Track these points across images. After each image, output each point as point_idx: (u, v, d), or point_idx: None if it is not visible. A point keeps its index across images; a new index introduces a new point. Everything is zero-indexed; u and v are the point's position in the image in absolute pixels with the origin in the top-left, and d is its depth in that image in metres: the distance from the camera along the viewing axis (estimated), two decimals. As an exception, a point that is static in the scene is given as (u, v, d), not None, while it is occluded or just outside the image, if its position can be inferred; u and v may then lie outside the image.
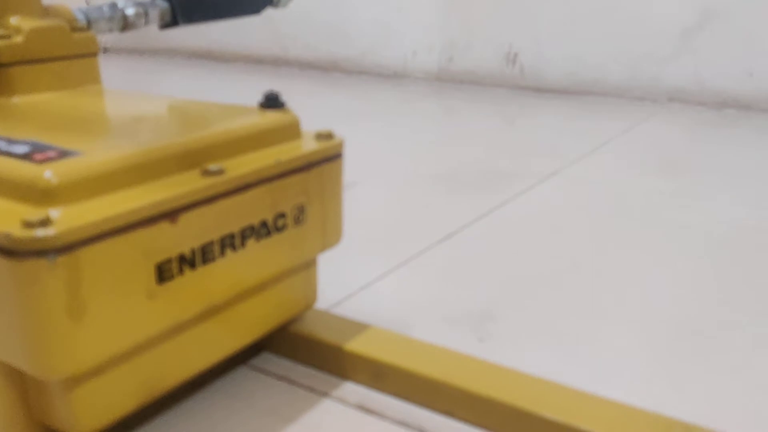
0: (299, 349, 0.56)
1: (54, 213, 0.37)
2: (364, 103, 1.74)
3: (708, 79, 1.56)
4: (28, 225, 0.35)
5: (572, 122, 1.48)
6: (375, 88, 1.89)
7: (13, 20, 0.58)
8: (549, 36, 1.74)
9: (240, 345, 0.51)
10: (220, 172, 0.44)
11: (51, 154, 0.41)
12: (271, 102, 0.52)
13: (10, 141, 0.44)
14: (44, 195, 0.38)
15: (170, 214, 0.41)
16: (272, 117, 0.51)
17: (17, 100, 0.57)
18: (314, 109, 1.47)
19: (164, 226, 0.41)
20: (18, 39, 0.57)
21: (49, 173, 0.38)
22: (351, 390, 0.54)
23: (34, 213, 0.37)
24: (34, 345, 0.37)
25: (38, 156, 0.40)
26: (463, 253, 0.80)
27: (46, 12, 0.60)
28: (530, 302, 0.68)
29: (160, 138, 0.45)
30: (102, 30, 0.66)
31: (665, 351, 0.60)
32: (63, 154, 0.41)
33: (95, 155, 0.41)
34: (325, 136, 0.53)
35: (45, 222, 0.36)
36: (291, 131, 0.52)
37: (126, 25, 0.69)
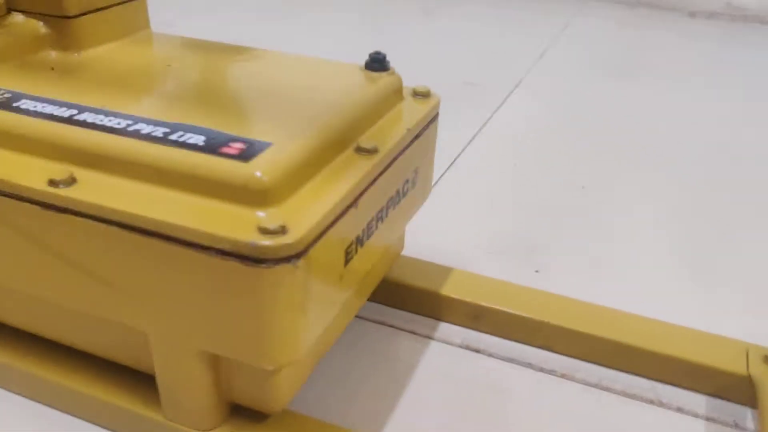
0: (395, 295, 0.60)
1: (274, 215, 0.37)
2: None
3: (624, -21, 1.64)
4: (267, 232, 0.36)
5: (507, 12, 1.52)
6: None
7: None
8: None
9: (365, 301, 0.54)
10: (375, 150, 0.45)
11: (239, 146, 0.40)
12: (378, 64, 0.52)
13: (166, 125, 0.42)
14: (257, 195, 0.38)
15: (355, 201, 0.42)
16: (387, 81, 0.51)
17: (88, 54, 0.53)
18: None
19: (352, 213, 0.42)
20: (77, -16, 0.52)
21: (259, 173, 0.38)
22: (451, 331, 0.59)
23: (252, 215, 0.37)
24: (266, 340, 0.38)
25: (227, 149, 0.39)
26: (474, 181, 0.84)
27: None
28: (559, 229, 0.75)
29: (318, 116, 0.44)
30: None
31: (690, 264, 0.69)
32: (252, 145, 0.40)
33: (286, 147, 0.40)
34: (423, 94, 0.54)
35: (283, 229, 0.36)
36: (399, 94, 0.53)
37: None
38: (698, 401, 0.53)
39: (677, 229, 0.76)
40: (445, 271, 0.61)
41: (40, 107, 0.44)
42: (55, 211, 0.40)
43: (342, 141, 0.44)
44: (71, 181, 0.40)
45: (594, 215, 0.78)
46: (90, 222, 0.39)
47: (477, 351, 0.57)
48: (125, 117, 0.43)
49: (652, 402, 0.53)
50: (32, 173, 0.40)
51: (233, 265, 0.36)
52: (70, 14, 0.52)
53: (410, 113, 0.51)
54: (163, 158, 0.39)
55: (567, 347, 0.56)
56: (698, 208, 0.80)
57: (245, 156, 0.39)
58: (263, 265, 0.36)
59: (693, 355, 0.53)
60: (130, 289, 0.40)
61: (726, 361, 0.53)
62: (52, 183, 0.39)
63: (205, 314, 0.39)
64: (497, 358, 0.56)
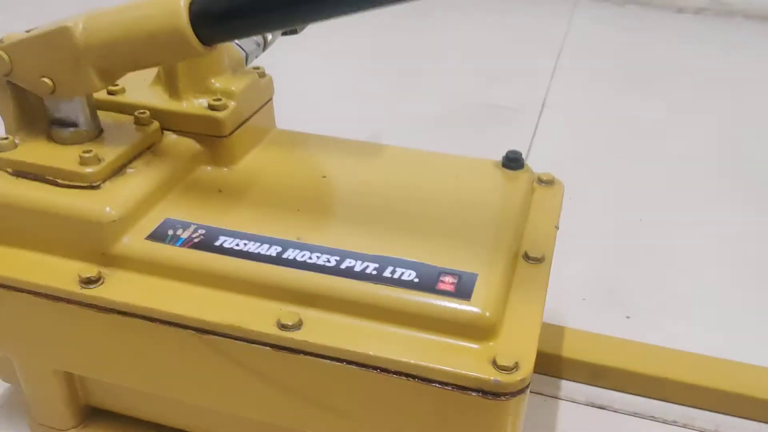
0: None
1: (503, 349, 0.42)
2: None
3: (613, -22, 1.69)
4: (504, 369, 0.40)
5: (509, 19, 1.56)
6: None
7: (216, 83, 0.55)
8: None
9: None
10: (543, 259, 0.50)
11: (450, 280, 0.44)
12: (516, 162, 0.56)
13: (373, 260, 0.45)
14: (482, 331, 0.42)
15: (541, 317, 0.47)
16: (526, 179, 0.56)
17: (239, 167, 0.55)
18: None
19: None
20: (233, 104, 0.54)
21: (484, 311, 0.42)
22: (573, 389, 0.64)
23: (482, 350, 0.41)
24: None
25: (442, 285, 0.43)
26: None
27: (227, 62, 0.57)
28: (634, 267, 0.80)
29: (494, 232, 0.49)
30: (250, 61, 0.63)
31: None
32: (461, 279, 0.44)
33: (492, 278, 0.44)
34: (548, 181, 0.59)
35: (517, 365, 0.40)
36: (532, 188, 0.57)
37: (265, 47, 0.66)
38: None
39: (742, 256, 0.83)
40: (558, 331, 0.66)
41: (242, 245, 0.47)
42: (286, 352, 0.43)
43: (517, 254, 0.49)
44: (300, 323, 0.43)
45: (662, 250, 0.84)
46: (321, 361, 0.43)
47: (602, 407, 0.63)
48: (329, 252, 0.46)
49: (766, 445, 0.60)
50: (259, 317, 0.44)
51: (473, 398, 0.41)
52: (226, 134, 0.54)
53: (548, 207, 0.55)
54: (385, 297, 0.43)
55: (685, 398, 0.62)
56: (759, 230, 0.87)
57: (462, 293, 0.43)
58: (502, 398, 0.40)
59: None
60: (359, 418, 0.44)
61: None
62: (283, 327, 0.43)
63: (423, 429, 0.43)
64: (622, 413, 0.62)
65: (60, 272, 0.47)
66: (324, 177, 0.55)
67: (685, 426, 0.61)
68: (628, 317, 0.73)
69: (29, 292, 0.47)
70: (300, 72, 1.28)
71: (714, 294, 0.76)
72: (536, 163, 0.95)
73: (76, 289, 0.46)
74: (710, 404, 0.62)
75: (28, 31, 0.49)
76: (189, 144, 0.54)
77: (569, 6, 1.67)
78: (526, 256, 0.49)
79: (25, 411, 0.57)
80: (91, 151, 0.48)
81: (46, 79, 0.47)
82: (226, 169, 0.55)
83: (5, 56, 0.47)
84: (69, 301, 0.46)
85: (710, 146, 1.07)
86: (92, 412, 0.57)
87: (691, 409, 0.63)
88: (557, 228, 0.53)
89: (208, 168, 0.55)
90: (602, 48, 1.45)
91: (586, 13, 1.65)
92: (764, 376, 0.63)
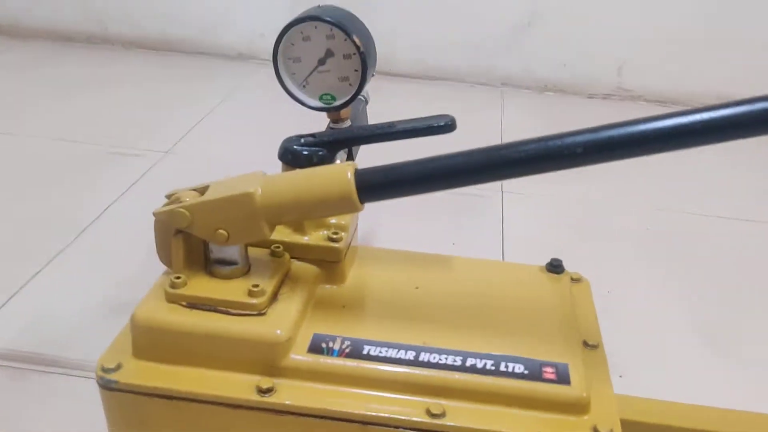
0: None
1: (600, 421, 0.57)
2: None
3: (533, 69, 1.94)
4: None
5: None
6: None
7: (332, 219, 0.68)
8: (400, 25, 1.95)
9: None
10: (597, 345, 0.66)
11: (550, 370, 0.59)
12: (558, 268, 0.73)
13: (488, 357, 0.60)
14: (583, 408, 0.57)
15: (609, 389, 0.63)
16: (567, 281, 0.72)
17: (348, 284, 0.69)
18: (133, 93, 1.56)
19: (610, 399, 0.62)
20: (345, 234, 0.68)
21: (583, 393, 0.57)
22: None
23: (583, 423, 0.57)
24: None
25: (547, 375, 0.59)
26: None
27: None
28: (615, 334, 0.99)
29: (566, 327, 0.65)
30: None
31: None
32: (558, 368, 0.59)
33: (578, 366, 0.60)
34: (577, 279, 0.76)
35: (612, 431, 0.56)
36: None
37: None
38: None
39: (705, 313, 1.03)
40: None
41: (384, 352, 0.60)
42: (435, 435, 0.57)
43: (582, 344, 0.65)
44: (444, 413, 0.57)
45: (632, 319, 1.03)
46: (465, 439, 0.57)
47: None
48: (452, 353, 0.60)
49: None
50: (412, 409, 0.57)
51: (582, 458, 0.56)
52: (341, 260, 0.68)
53: (584, 301, 0.72)
54: (507, 387, 0.58)
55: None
56: (713, 290, 1.08)
57: (563, 379, 0.58)
58: (600, 456, 0.56)
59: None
60: (487, 479, 0.58)
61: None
62: (433, 416, 0.57)
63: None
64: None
65: (238, 385, 0.58)
66: (417, 288, 0.69)
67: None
68: (621, 376, 0.90)
69: (212, 403, 0.58)
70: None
71: (678, 350, 0.96)
72: (512, 244, 1.12)
73: (255, 397, 0.58)
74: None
75: (194, 189, 0.61)
76: (312, 269, 0.67)
77: (499, 97, 1.90)
78: (585, 344, 0.65)
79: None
80: (258, 285, 0.60)
81: (222, 231, 0.59)
82: (338, 287, 0.68)
83: (187, 213, 0.59)
84: (249, 408, 0.58)
85: (650, 217, 1.29)
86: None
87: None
88: (596, 316, 0.70)
89: (327, 287, 0.68)
90: (534, 132, 1.67)
91: (513, 101, 1.88)
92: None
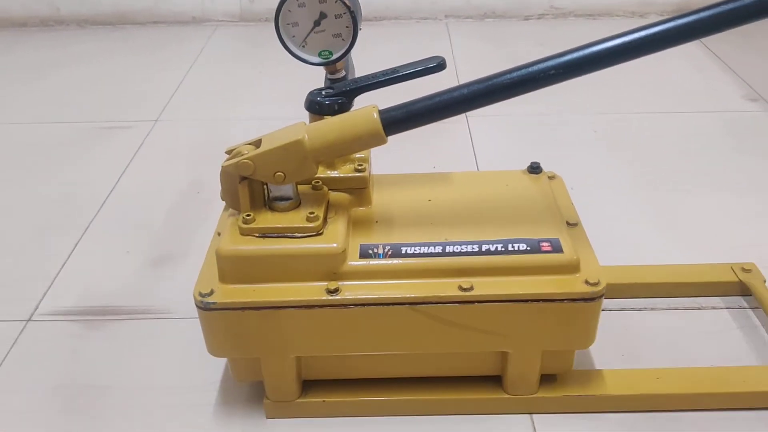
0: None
1: (588, 275, 0.75)
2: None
3: (472, -1, 2.09)
4: (592, 284, 0.74)
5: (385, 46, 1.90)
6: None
7: (358, 154, 0.84)
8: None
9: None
10: (576, 223, 0.84)
11: (546, 245, 0.77)
12: (536, 169, 0.90)
13: (496, 242, 0.77)
14: (575, 267, 0.75)
15: (590, 254, 0.81)
16: (544, 178, 0.90)
17: (374, 204, 0.85)
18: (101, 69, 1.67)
19: (592, 261, 0.81)
20: (367, 165, 0.84)
21: (574, 256, 0.76)
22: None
23: (577, 279, 0.75)
24: (589, 336, 0.77)
25: (544, 248, 0.76)
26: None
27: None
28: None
29: (550, 210, 0.82)
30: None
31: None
32: (550, 242, 0.77)
33: (567, 238, 0.78)
34: (551, 176, 0.93)
35: (599, 282, 0.74)
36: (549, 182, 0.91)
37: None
38: None
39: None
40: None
41: (418, 249, 0.77)
42: (467, 304, 0.75)
43: (565, 223, 0.83)
44: (472, 287, 0.75)
45: (593, 207, 1.22)
46: (489, 304, 0.74)
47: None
48: (470, 243, 0.77)
49: None
50: (447, 287, 0.75)
51: (578, 305, 0.74)
52: (367, 186, 0.84)
53: (561, 192, 0.90)
54: (517, 260, 0.76)
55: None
56: (656, 175, 1.28)
57: (557, 249, 0.76)
58: (592, 302, 0.75)
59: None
60: (510, 333, 0.77)
61: (727, 277, 1.00)
62: (464, 290, 0.74)
63: (551, 332, 0.77)
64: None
65: (311, 290, 0.75)
66: (429, 200, 0.86)
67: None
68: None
69: (293, 307, 0.75)
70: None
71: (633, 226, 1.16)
72: (483, 159, 1.28)
73: (325, 297, 0.74)
74: None
75: (247, 142, 0.76)
76: (345, 196, 0.83)
77: (444, 29, 2.04)
78: (568, 223, 0.83)
79: (234, 402, 0.84)
80: (314, 212, 0.76)
81: (279, 173, 0.74)
82: (367, 208, 0.84)
83: (251, 163, 0.74)
84: (321, 306, 0.75)
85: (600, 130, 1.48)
86: (305, 384, 0.84)
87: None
88: (571, 203, 0.88)
89: (360, 209, 0.84)
90: (483, 58, 1.83)
91: (458, 31, 2.03)
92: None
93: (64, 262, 1.10)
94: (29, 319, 0.99)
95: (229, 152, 0.77)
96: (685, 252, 1.09)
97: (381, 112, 0.73)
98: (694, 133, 1.45)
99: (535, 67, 0.70)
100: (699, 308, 0.99)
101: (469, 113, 1.53)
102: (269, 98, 1.65)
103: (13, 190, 1.31)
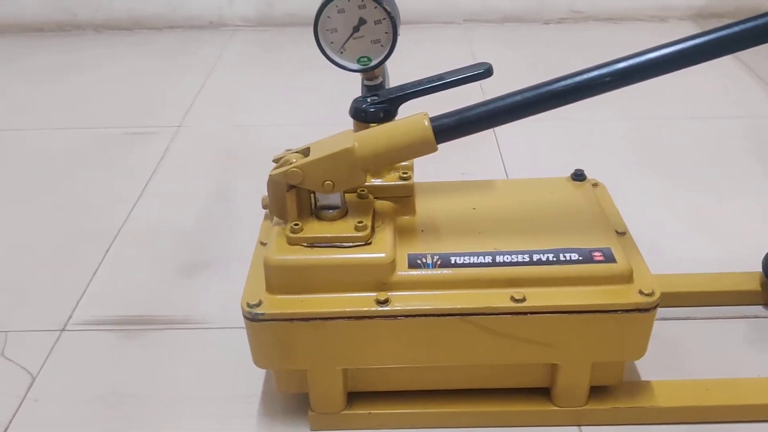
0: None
1: (644, 286, 0.74)
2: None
3: (492, 3, 2.08)
4: (647, 294, 0.73)
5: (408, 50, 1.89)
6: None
7: (403, 162, 0.83)
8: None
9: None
10: (625, 232, 0.83)
11: (598, 255, 0.76)
12: (580, 177, 0.89)
13: (548, 252, 0.76)
14: (629, 278, 0.74)
15: (641, 263, 0.80)
16: (589, 185, 0.89)
17: (419, 214, 0.84)
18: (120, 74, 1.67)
19: (642, 270, 0.80)
20: (411, 173, 0.83)
21: (628, 266, 0.74)
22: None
23: (632, 289, 0.74)
24: (640, 348, 0.76)
25: (597, 257, 0.75)
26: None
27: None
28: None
29: (600, 218, 0.81)
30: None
31: (700, 235, 1.15)
32: (603, 252, 0.76)
33: (618, 249, 0.76)
34: (594, 183, 0.92)
35: (653, 292, 0.73)
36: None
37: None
38: None
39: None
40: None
41: (468, 259, 0.76)
42: (519, 315, 0.73)
43: (614, 232, 0.82)
44: (524, 298, 0.73)
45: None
46: (542, 315, 0.73)
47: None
48: (520, 253, 0.76)
49: None
50: (498, 298, 0.73)
51: (633, 315, 0.73)
52: (412, 195, 0.83)
53: (606, 200, 0.88)
54: (569, 270, 0.74)
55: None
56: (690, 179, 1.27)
57: (609, 259, 0.75)
58: (647, 312, 0.73)
59: None
60: (562, 345, 0.75)
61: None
62: (516, 300, 0.73)
63: (604, 344, 0.75)
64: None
65: (360, 301, 0.73)
66: (474, 209, 0.85)
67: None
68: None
69: (339, 318, 0.73)
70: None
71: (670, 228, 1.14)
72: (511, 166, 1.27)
73: (375, 308, 0.73)
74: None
75: (295, 150, 0.75)
76: (390, 205, 0.82)
77: (463, 33, 2.03)
78: (617, 232, 0.82)
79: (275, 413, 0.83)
80: (362, 222, 0.75)
81: (328, 182, 0.73)
82: (411, 217, 0.83)
83: (300, 172, 0.73)
84: (371, 317, 0.73)
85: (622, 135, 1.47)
86: (350, 396, 0.83)
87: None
88: (618, 211, 0.87)
89: (405, 217, 0.83)
90: (504, 62, 1.82)
91: (478, 34, 2.02)
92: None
93: (95, 271, 1.09)
94: (63, 329, 0.97)
95: (276, 160, 0.76)
96: (722, 259, 1.08)
97: (432, 120, 0.72)
98: (722, 138, 1.44)
99: (590, 74, 0.69)
100: (742, 317, 0.98)
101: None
102: (291, 103, 1.64)
103: (38, 197, 1.30)
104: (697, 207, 1.21)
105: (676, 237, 1.14)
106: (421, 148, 0.72)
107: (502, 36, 2.00)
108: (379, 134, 0.73)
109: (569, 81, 0.70)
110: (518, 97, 0.71)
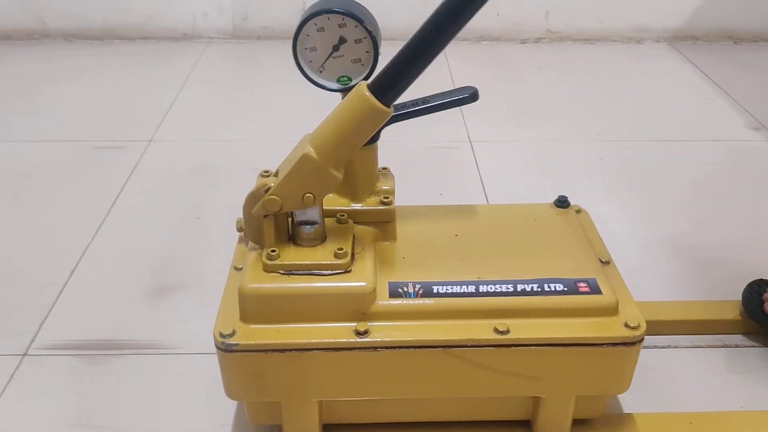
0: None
1: (629, 319, 0.72)
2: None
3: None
4: (631, 328, 0.71)
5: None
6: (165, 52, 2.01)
7: (382, 186, 0.80)
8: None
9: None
10: (609, 261, 0.81)
11: (583, 285, 0.74)
12: (564, 203, 0.88)
13: (531, 282, 0.74)
14: (614, 310, 0.72)
15: (625, 294, 0.78)
16: (572, 212, 0.87)
17: (399, 239, 0.81)
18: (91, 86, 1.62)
19: (627, 301, 0.78)
20: (392, 198, 0.81)
21: (614, 299, 0.73)
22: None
23: (616, 322, 0.72)
24: (625, 380, 0.74)
25: (582, 288, 0.73)
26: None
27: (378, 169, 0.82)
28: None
29: (583, 246, 0.79)
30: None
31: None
32: (588, 283, 0.74)
33: (603, 280, 0.75)
34: (577, 210, 0.90)
35: (639, 325, 0.71)
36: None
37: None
38: None
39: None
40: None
41: (450, 289, 0.73)
42: (503, 348, 0.71)
43: (599, 261, 0.80)
44: (508, 330, 0.71)
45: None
46: (526, 348, 0.71)
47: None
48: (503, 282, 0.74)
49: None
50: (482, 330, 0.71)
51: (619, 349, 0.71)
52: (392, 219, 0.80)
53: (589, 227, 0.87)
54: (554, 302, 0.72)
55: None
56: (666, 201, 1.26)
57: (595, 290, 0.73)
58: (632, 346, 0.71)
59: None
60: (546, 378, 0.73)
61: None
62: (500, 332, 0.71)
63: (588, 377, 0.73)
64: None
65: (338, 331, 0.71)
66: (456, 235, 0.83)
67: (676, 347, 0.96)
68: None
69: (319, 349, 0.70)
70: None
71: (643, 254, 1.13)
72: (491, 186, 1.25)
73: (354, 339, 0.70)
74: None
75: (265, 173, 0.72)
76: (370, 230, 0.79)
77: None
78: (601, 261, 0.81)
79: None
80: (342, 248, 0.72)
81: (308, 194, 0.70)
82: (391, 242, 0.81)
83: (277, 198, 0.70)
84: (350, 349, 0.70)
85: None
86: (325, 428, 0.80)
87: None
88: (598, 236, 0.85)
89: (385, 243, 0.80)
90: (481, 80, 1.81)
91: (455, 52, 2.00)
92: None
93: (60, 292, 1.05)
94: (25, 354, 0.93)
95: (255, 192, 0.72)
96: (701, 286, 1.07)
97: (370, 85, 0.67)
98: (699, 162, 1.44)
99: None
100: (723, 346, 0.97)
101: (472, 138, 1.51)
102: (267, 118, 1.61)
103: (0, 213, 1.25)
104: (676, 232, 1.21)
105: (655, 263, 1.13)
106: (373, 117, 0.67)
107: (478, 54, 2.00)
108: (328, 126, 0.69)
109: None
110: (431, 21, 0.67)
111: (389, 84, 0.67)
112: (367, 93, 0.67)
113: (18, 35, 2.06)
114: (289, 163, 0.70)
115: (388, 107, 0.67)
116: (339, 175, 0.70)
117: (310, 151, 0.69)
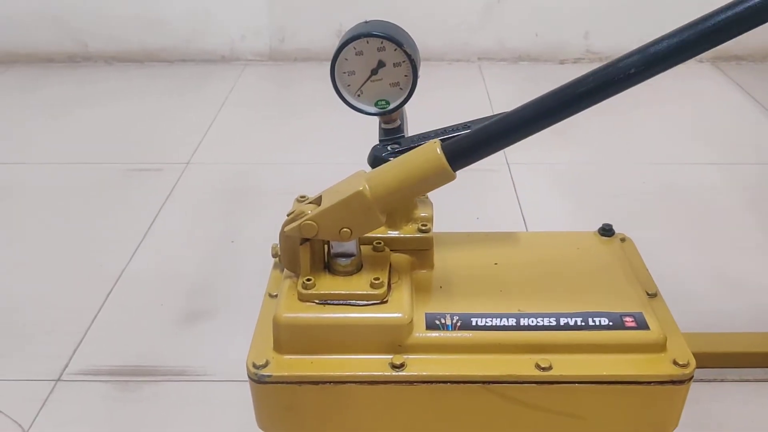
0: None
1: (679, 355, 0.69)
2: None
3: (506, 42, 2.05)
4: (684, 365, 0.67)
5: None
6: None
7: (420, 213, 0.78)
8: (371, 15, 2.03)
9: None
10: (656, 293, 0.78)
11: (630, 320, 0.71)
12: (608, 231, 0.85)
13: (575, 316, 0.71)
14: (662, 347, 0.69)
15: (674, 328, 0.75)
16: (617, 240, 0.84)
17: (437, 268, 0.79)
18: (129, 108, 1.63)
19: (675, 336, 0.74)
20: (431, 225, 0.79)
21: (661, 335, 0.69)
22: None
23: (664, 358, 0.69)
24: (672, 421, 0.70)
25: (628, 323, 0.70)
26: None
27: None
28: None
29: (628, 279, 0.76)
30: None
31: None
32: (634, 317, 0.71)
33: (650, 314, 0.71)
34: (623, 239, 0.87)
35: (688, 362, 0.68)
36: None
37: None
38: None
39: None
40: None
41: (490, 321, 0.71)
42: (546, 385, 0.68)
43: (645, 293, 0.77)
44: (550, 366, 0.68)
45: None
46: (570, 385, 0.68)
47: (672, 382, 0.92)
48: (546, 315, 0.71)
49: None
50: (523, 365, 0.68)
51: (667, 387, 0.68)
52: (430, 248, 0.78)
53: (635, 256, 0.84)
54: (599, 337, 0.69)
55: None
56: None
57: (642, 326, 0.70)
58: (681, 385, 0.68)
59: None
60: (588, 416, 0.70)
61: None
62: (543, 369, 0.68)
63: (633, 416, 0.70)
64: (685, 383, 0.92)
65: (374, 364, 0.68)
66: (496, 264, 0.80)
67: (725, 382, 0.92)
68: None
69: (354, 382, 0.68)
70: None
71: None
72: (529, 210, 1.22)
73: (390, 372, 0.68)
74: None
75: (308, 201, 0.71)
76: (407, 258, 0.77)
77: (477, 71, 2.01)
78: (647, 293, 0.77)
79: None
80: (378, 278, 0.70)
81: (346, 229, 0.69)
82: (428, 271, 0.79)
83: (314, 224, 0.68)
84: (386, 383, 0.68)
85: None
86: (359, 464, 0.77)
87: None
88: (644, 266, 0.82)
89: (422, 271, 0.78)
90: (520, 101, 1.79)
91: (491, 73, 1.99)
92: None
93: (95, 316, 1.05)
94: (59, 379, 0.93)
95: (290, 214, 0.71)
96: (752, 316, 1.03)
97: (444, 146, 0.67)
98: (744, 185, 1.39)
99: (612, 68, 0.61)
100: (774, 381, 0.92)
101: (510, 161, 1.49)
102: (304, 140, 1.61)
103: (37, 236, 1.26)
104: (725, 260, 1.16)
105: (702, 292, 1.09)
106: (437, 178, 0.67)
107: (516, 75, 1.98)
108: (390, 171, 0.68)
109: (590, 80, 0.63)
110: (533, 107, 0.66)
111: (464, 152, 0.67)
112: (440, 152, 0.66)
113: (60, 58, 2.10)
114: (338, 194, 0.69)
115: (455, 171, 0.67)
116: (383, 219, 0.69)
117: (366, 188, 0.67)
